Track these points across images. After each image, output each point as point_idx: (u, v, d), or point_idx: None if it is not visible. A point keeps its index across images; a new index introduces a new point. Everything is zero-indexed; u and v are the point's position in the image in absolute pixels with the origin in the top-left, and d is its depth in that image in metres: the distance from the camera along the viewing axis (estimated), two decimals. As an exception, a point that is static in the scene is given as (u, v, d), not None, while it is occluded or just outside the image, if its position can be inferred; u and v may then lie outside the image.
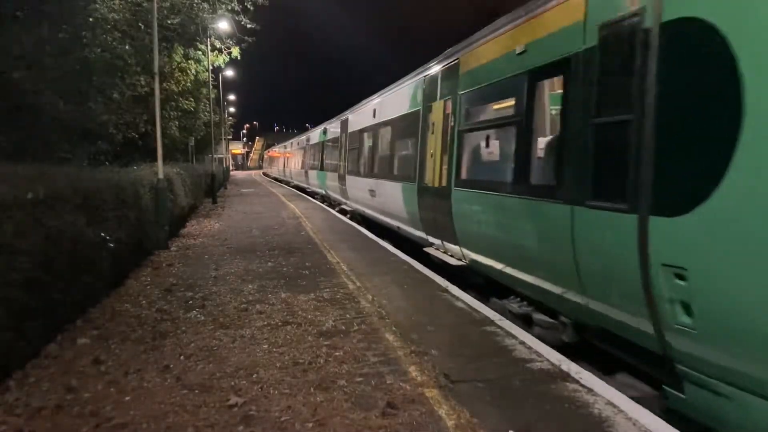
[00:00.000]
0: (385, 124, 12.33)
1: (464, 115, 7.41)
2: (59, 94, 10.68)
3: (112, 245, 6.80)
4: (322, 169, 22.58)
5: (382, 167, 12.27)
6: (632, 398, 3.87)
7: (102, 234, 6.54)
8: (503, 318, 5.81)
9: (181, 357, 4.71)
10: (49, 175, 5.68)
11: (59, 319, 5.32)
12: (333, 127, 20.72)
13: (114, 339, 5.19)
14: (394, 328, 5.44)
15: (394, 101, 11.61)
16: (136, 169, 10.78)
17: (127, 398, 3.90)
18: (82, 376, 4.29)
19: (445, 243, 8.26)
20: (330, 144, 20.86)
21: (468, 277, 7.61)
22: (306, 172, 28.69)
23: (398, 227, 11.24)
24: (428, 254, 8.92)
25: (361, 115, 15.43)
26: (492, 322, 5.65)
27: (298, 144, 34.85)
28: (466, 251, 7.37)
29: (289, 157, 40.91)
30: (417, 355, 4.68)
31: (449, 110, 7.89)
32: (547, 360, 4.57)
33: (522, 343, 5.01)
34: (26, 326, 4.50)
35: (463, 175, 7.37)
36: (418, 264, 8.84)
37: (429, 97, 9.00)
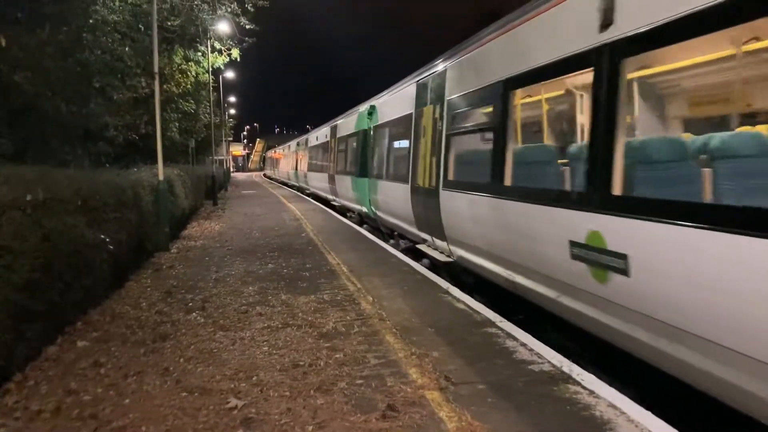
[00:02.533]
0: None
1: None
2: (60, 96, 10.71)
3: (111, 247, 6.79)
4: (363, 174, 14.05)
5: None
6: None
7: (102, 236, 6.53)
8: (504, 320, 5.79)
9: (181, 359, 4.69)
10: (49, 176, 5.66)
11: (59, 321, 5.31)
12: (390, 104, 12.02)
13: (114, 341, 5.18)
14: (394, 330, 5.42)
15: None
16: (137, 170, 10.78)
17: (127, 401, 3.89)
18: (81, 379, 4.28)
19: None
20: (387, 132, 12.08)
21: None
22: (332, 178, 19.10)
23: None
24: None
25: (488, 58, 6.71)
26: (493, 324, 5.63)
27: (316, 139, 24.53)
28: None
29: (301, 157, 29.94)
30: (418, 357, 4.66)
31: None
32: (549, 362, 4.55)
33: (523, 344, 4.99)
34: (26, 328, 4.49)
35: None
36: (419, 266, 8.82)
37: None
